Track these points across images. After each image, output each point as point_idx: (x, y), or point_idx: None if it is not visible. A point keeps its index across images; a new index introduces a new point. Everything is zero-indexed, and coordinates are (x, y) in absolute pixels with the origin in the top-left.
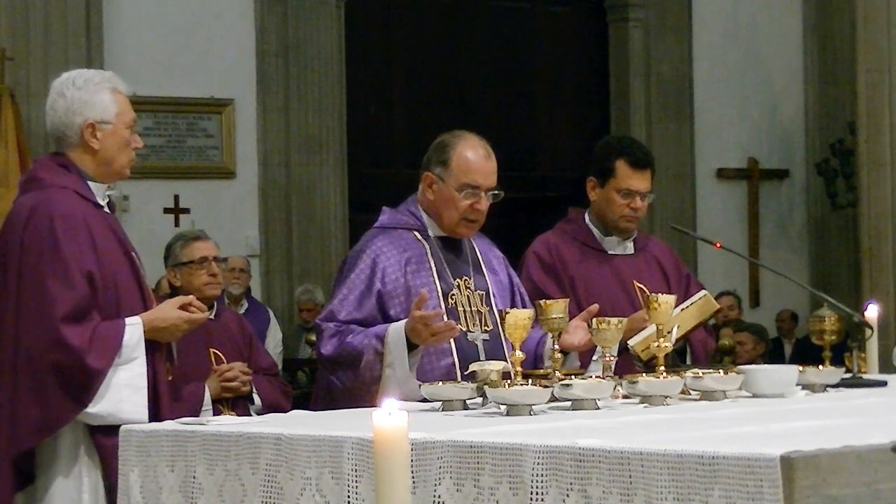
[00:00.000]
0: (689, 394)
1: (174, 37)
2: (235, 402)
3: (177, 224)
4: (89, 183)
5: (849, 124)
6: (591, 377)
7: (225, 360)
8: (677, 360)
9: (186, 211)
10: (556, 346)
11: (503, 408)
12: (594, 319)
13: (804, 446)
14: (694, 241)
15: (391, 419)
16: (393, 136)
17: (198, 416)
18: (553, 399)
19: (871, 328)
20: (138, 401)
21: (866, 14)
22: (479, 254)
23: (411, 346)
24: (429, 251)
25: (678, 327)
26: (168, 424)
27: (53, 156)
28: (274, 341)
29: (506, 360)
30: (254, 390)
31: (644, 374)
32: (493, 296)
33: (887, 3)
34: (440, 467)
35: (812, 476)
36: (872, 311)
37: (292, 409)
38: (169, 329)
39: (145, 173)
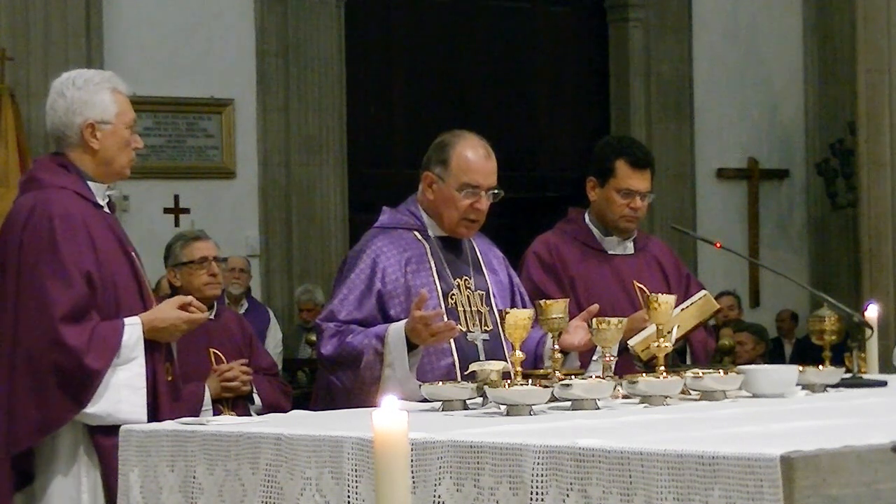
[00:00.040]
0: (689, 394)
1: (174, 37)
2: (235, 402)
3: (177, 224)
4: (89, 183)
5: (849, 124)
6: (591, 377)
7: (225, 360)
8: (677, 360)
9: (186, 211)
10: (556, 346)
11: (503, 408)
12: (594, 319)
13: (804, 446)
14: (694, 241)
15: (391, 419)
16: (393, 136)
17: (198, 416)
18: (553, 399)
19: (871, 328)
20: (137, 401)
21: (866, 14)
22: (479, 254)
23: (411, 346)
24: (429, 251)
25: (678, 327)
26: (168, 424)
27: (53, 156)
28: (274, 341)
29: (506, 360)
30: (254, 390)
31: (644, 374)
32: (493, 296)
33: (887, 3)
34: (440, 467)
35: (812, 476)
36: (872, 311)
37: (292, 409)
38: (168, 329)
39: (145, 173)
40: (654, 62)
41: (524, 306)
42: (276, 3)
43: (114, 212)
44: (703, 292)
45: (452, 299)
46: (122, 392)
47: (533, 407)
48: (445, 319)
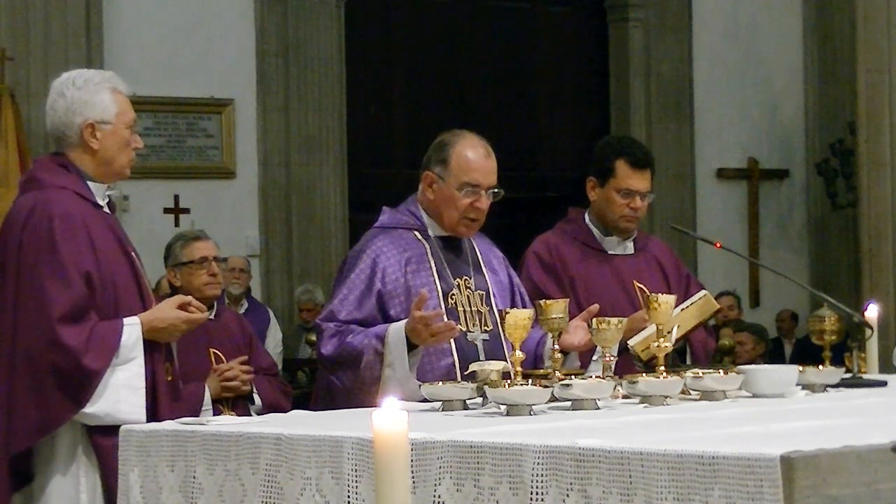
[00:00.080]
0: (689, 394)
1: (174, 37)
2: (235, 402)
3: (177, 224)
4: (89, 183)
5: (849, 124)
6: (591, 377)
7: (225, 360)
8: (677, 360)
9: (186, 211)
10: (556, 346)
11: (503, 408)
12: (594, 319)
13: (804, 446)
14: (694, 241)
15: (391, 419)
16: (393, 136)
17: (198, 416)
18: (553, 399)
19: (871, 328)
20: (136, 401)
21: (866, 14)
22: (479, 254)
23: (411, 347)
24: (429, 251)
25: (678, 327)
26: (168, 424)
27: (53, 156)
28: (274, 341)
29: (506, 360)
30: (254, 390)
31: (644, 374)
32: (493, 296)
33: (887, 3)
34: (440, 467)
35: (812, 476)
36: (872, 311)
37: (292, 409)
38: (168, 329)
39: (145, 173)
40: (654, 62)
41: (524, 306)
42: (276, 3)
43: (114, 212)
44: (703, 292)
45: (452, 299)
46: (121, 392)
47: (533, 407)
48: (445, 319)
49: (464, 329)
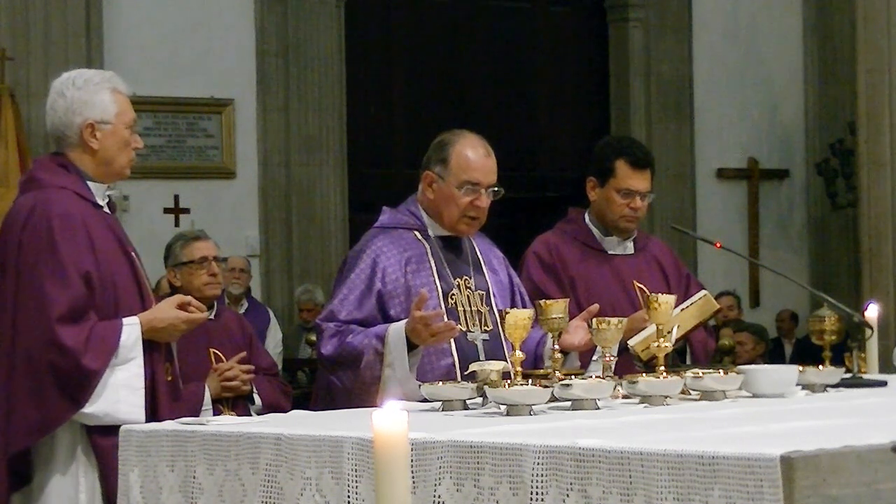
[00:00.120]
0: (689, 394)
1: (174, 37)
2: (235, 402)
3: (177, 224)
4: (89, 183)
5: (849, 124)
6: (591, 377)
7: (225, 361)
8: (677, 360)
9: (186, 211)
10: (556, 346)
11: (503, 408)
12: (594, 319)
13: (804, 446)
14: (694, 241)
15: (391, 419)
16: (393, 136)
17: (198, 416)
18: (553, 399)
19: (871, 328)
20: (135, 401)
21: (866, 14)
22: (479, 253)
23: (411, 346)
24: (429, 251)
25: (678, 327)
26: (168, 424)
27: (53, 156)
28: (274, 341)
29: (506, 360)
30: (254, 390)
31: (644, 374)
32: (494, 296)
33: (887, 3)
34: (440, 467)
35: (812, 476)
36: (872, 311)
37: (292, 409)
38: (167, 329)
39: (145, 173)
40: (654, 62)
41: (524, 306)
42: (276, 3)
43: (114, 212)
44: (703, 292)
45: (452, 299)
46: (121, 392)
47: (533, 407)
48: (445, 319)
49: (464, 329)
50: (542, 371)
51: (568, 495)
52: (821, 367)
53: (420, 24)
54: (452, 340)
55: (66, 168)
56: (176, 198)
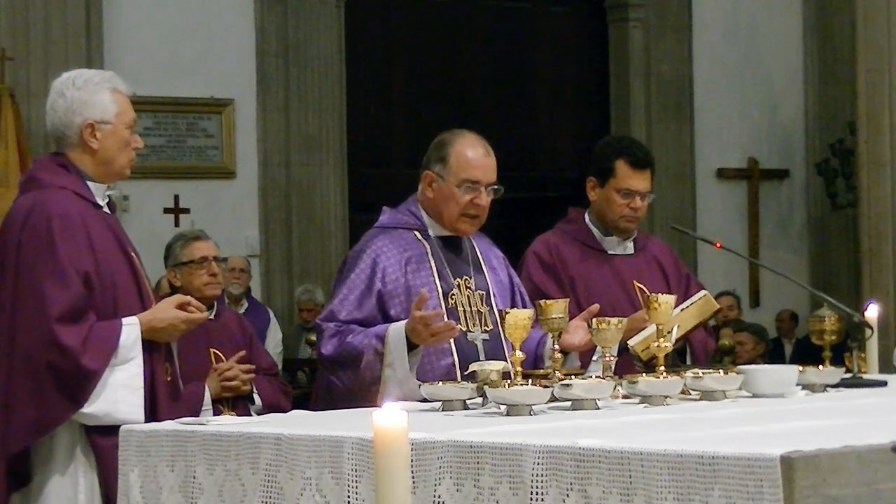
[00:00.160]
0: (689, 394)
1: (174, 37)
2: (235, 402)
3: (177, 224)
4: (89, 183)
5: (849, 124)
6: (591, 377)
7: (225, 361)
8: (677, 360)
9: (186, 211)
10: (556, 346)
11: (503, 408)
12: (594, 319)
13: (804, 446)
14: (694, 241)
15: (391, 419)
16: (393, 136)
17: (198, 416)
18: (553, 399)
19: (871, 328)
20: (134, 401)
21: (866, 14)
22: (479, 253)
23: (411, 346)
24: (429, 251)
25: (678, 327)
26: (168, 424)
27: (53, 156)
28: (274, 341)
29: (506, 360)
30: (254, 390)
31: (644, 374)
32: (494, 295)
33: (887, 3)
34: (440, 467)
35: (812, 476)
36: (872, 311)
37: (292, 409)
38: (167, 329)
39: (145, 173)
40: (654, 62)
41: (524, 306)
42: (276, 3)
43: (114, 212)
44: (703, 292)
45: (452, 299)
46: (120, 392)
47: (533, 407)
48: (445, 319)
49: (464, 329)
50: (542, 371)
51: (568, 495)
52: (821, 367)
53: (420, 24)
54: (452, 340)
55: (66, 168)
56: (176, 198)
